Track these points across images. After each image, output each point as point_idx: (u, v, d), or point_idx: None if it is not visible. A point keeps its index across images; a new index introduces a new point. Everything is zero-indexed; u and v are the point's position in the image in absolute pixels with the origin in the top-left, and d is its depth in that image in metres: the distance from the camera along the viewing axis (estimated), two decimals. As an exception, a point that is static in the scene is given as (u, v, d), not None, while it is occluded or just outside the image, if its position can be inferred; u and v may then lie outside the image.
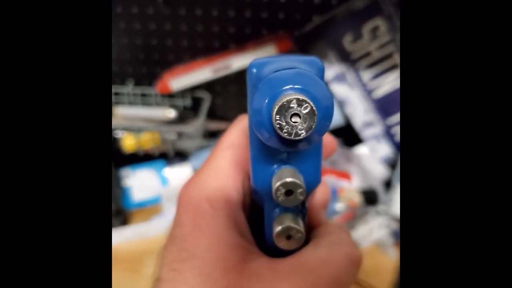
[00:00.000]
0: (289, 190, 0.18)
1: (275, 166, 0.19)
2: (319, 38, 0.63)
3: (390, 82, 0.65)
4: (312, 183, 0.20)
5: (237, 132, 0.24)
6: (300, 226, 0.20)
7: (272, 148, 0.17)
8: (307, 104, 0.15)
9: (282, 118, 0.15)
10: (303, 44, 0.64)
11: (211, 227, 0.19)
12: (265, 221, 0.21)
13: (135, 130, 0.66)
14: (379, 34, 0.61)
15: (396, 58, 0.63)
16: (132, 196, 0.72)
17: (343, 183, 0.74)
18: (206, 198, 0.20)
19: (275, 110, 0.15)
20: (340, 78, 0.66)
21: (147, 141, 0.65)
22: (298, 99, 0.15)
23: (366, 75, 0.65)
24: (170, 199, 0.74)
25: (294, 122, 0.15)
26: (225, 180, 0.21)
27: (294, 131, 0.15)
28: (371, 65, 0.64)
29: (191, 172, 0.75)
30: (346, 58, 0.64)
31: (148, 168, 0.74)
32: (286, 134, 0.15)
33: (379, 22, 0.60)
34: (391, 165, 0.74)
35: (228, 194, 0.21)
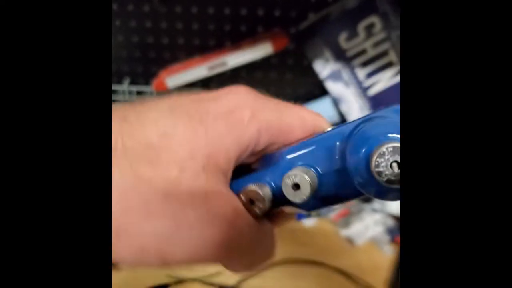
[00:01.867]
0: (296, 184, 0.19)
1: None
2: (315, 35, 0.63)
3: (386, 80, 0.65)
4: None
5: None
6: (266, 200, 0.20)
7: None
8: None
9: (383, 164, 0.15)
10: (299, 42, 0.64)
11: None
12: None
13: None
14: (374, 32, 0.61)
15: (392, 56, 0.63)
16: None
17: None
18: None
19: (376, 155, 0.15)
20: (335, 75, 0.66)
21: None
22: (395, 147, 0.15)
23: (362, 72, 0.65)
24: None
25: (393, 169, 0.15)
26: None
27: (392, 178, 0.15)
28: (367, 63, 0.64)
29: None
30: (341, 55, 0.64)
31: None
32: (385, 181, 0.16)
33: (374, 20, 0.60)
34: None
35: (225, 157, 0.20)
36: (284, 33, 0.62)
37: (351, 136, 0.18)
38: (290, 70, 0.68)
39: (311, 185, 0.18)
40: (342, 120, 0.70)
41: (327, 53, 0.64)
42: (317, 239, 0.65)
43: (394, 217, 0.67)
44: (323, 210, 0.69)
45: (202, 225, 0.17)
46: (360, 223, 0.67)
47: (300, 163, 0.20)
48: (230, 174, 0.20)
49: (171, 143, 0.17)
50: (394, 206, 0.67)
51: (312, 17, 0.62)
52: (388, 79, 0.65)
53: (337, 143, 0.19)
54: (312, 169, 0.19)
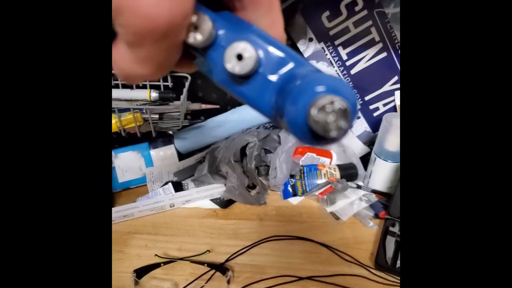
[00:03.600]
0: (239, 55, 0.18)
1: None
2: (297, 15, 0.63)
3: (368, 58, 0.66)
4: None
5: None
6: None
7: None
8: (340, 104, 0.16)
9: (321, 116, 0.16)
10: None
11: None
12: None
13: (117, 111, 0.65)
14: (356, 10, 0.62)
15: (374, 34, 0.63)
16: (117, 177, 0.73)
17: (324, 160, 0.76)
18: None
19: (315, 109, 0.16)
20: (318, 55, 0.66)
21: (129, 121, 0.65)
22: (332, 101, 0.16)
23: (345, 51, 0.66)
24: (155, 180, 0.75)
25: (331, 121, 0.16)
26: None
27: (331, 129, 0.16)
28: (349, 41, 0.64)
29: (175, 153, 0.75)
30: (324, 34, 0.64)
31: (132, 150, 0.74)
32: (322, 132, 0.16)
33: (356, -2, 0.61)
34: (369, 141, 0.76)
35: None
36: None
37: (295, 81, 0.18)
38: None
39: (252, 68, 0.18)
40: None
41: (310, 32, 0.64)
42: (303, 216, 0.67)
43: (377, 193, 0.69)
44: (310, 188, 0.70)
45: None
46: (345, 200, 0.68)
47: (256, 40, 0.19)
48: None
49: None
50: (378, 183, 0.69)
51: (294, -4, 0.62)
52: (370, 57, 0.65)
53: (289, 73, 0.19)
54: (262, 59, 0.19)
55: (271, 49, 0.19)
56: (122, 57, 0.18)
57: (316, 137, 0.17)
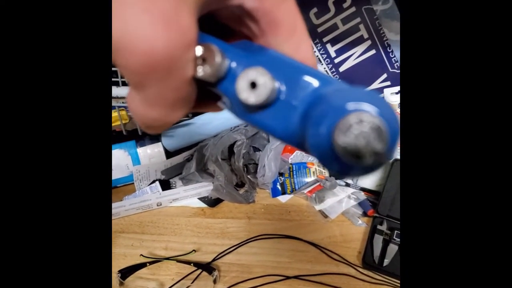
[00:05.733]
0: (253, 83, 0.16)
1: None
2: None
3: (357, 55, 0.65)
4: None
5: None
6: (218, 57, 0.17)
7: None
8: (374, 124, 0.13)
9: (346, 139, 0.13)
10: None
11: None
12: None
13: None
14: (345, 7, 0.61)
15: (362, 31, 0.63)
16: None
17: (313, 158, 0.75)
18: None
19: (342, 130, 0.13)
20: (307, 52, 0.66)
21: (115, 119, 0.64)
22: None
23: (333, 48, 0.65)
24: (142, 179, 0.74)
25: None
26: None
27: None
28: (338, 39, 0.64)
29: (162, 151, 0.74)
30: (312, 31, 0.64)
31: (119, 148, 0.73)
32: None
33: (344, -6, 0.60)
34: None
35: None
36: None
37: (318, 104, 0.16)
38: (262, 47, 0.67)
39: (268, 96, 0.16)
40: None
41: (298, 29, 0.64)
42: (292, 214, 0.66)
43: (366, 191, 0.69)
44: (299, 187, 0.70)
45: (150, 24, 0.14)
46: (334, 198, 0.68)
47: (273, 70, 0.16)
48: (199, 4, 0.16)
49: None
50: (367, 181, 0.68)
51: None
52: (359, 54, 0.65)
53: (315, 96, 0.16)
54: (281, 86, 0.17)
55: (290, 72, 0.17)
56: (133, 102, 0.17)
57: (348, 166, 0.14)
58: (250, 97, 0.16)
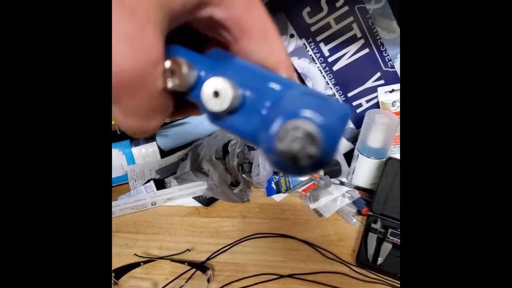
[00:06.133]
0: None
1: None
2: (278, 10, 0.62)
3: (350, 54, 0.66)
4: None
5: None
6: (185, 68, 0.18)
7: None
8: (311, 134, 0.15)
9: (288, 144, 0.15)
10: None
11: None
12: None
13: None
14: (337, 6, 0.61)
15: (355, 30, 0.63)
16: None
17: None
18: None
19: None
20: (300, 51, 0.66)
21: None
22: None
23: (326, 47, 0.65)
24: (136, 178, 0.74)
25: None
26: None
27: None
28: (331, 38, 0.64)
29: (157, 151, 0.74)
30: (305, 31, 0.64)
31: (113, 147, 0.73)
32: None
33: (337, -6, 0.60)
34: (353, 137, 0.76)
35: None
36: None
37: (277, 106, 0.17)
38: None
39: (231, 103, 0.17)
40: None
41: (291, 28, 0.64)
42: (286, 213, 0.66)
43: (360, 189, 0.69)
44: (293, 186, 0.70)
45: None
46: (328, 196, 0.68)
47: (238, 78, 0.18)
48: (168, 19, 0.17)
49: None
50: (361, 180, 0.69)
51: (275, -8, 0.61)
52: (352, 53, 0.65)
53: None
54: (245, 93, 0.18)
55: (255, 79, 0.18)
56: (114, 113, 0.18)
57: (287, 167, 0.16)
58: (215, 105, 0.17)
